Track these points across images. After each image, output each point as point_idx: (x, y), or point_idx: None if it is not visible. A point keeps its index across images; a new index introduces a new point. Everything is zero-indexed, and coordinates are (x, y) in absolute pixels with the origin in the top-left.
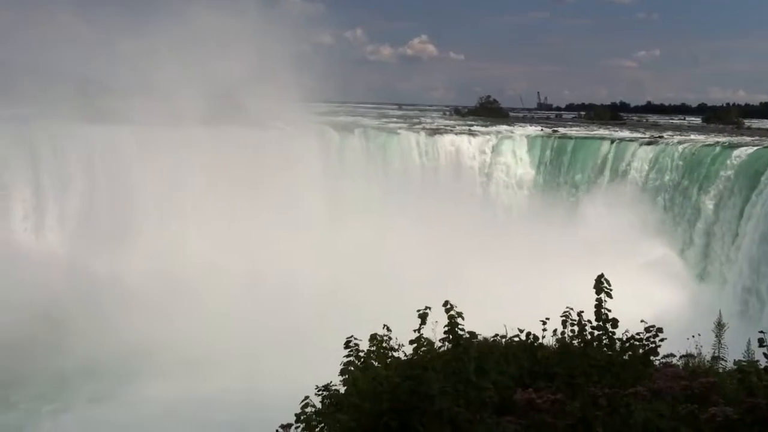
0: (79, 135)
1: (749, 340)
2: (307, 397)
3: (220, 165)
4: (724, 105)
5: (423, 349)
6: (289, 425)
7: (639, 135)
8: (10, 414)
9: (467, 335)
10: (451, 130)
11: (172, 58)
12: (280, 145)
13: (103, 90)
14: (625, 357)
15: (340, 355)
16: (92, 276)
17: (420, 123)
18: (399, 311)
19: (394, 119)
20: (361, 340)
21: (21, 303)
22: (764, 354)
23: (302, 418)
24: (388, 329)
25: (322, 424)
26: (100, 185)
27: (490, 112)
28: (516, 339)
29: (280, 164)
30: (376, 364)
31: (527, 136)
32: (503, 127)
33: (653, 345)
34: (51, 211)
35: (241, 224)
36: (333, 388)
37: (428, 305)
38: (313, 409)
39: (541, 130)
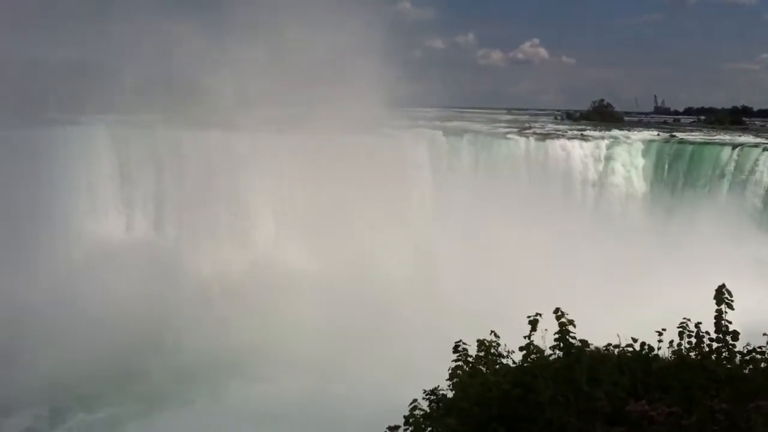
0: (198, 140)
1: None
2: (415, 400)
3: (331, 170)
4: None
5: (533, 356)
6: (397, 427)
7: (763, 140)
8: (120, 408)
9: (579, 343)
10: (563, 135)
11: (280, 64)
12: (389, 151)
13: (215, 97)
14: (746, 370)
15: (442, 359)
16: (205, 276)
17: (530, 128)
18: (502, 317)
19: (504, 124)
20: (469, 345)
21: (136, 301)
22: None
23: (410, 420)
24: (496, 335)
25: (430, 428)
26: (217, 188)
27: (603, 116)
28: (630, 349)
29: (389, 170)
30: (484, 370)
31: (642, 141)
32: (617, 132)
33: None
34: (168, 213)
35: (350, 228)
36: (440, 392)
37: (535, 312)
38: (421, 413)
39: (657, 134)
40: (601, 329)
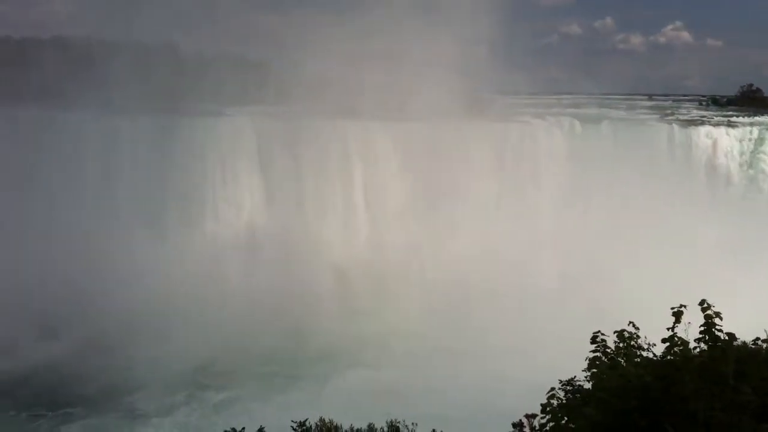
0: (338, 131)
1: None
2: (553, 389)
3: (467, 159)
4: None
5: (676, 348)
6: (534, 415)
7: None
8: (247, 388)
9: (726, 337)
10: (708, 121)
11: (421, 56)
12: (524, 138)
13: (346, 88)
14: None
15: (576, 348)
16: (342, 264)
17: (673, 114)
18: (637, 308)
19: (645, 110)
20: (607, 336)
21: (276, 287)
22: None
23: (547, 409)
24: (635, 326)
25: (566, 418)
26: (356, 179)
27: (752, 101)
28: None
29: (523, 156)
30: (622, 361)
31: None
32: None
33: None
34: (307, 202)
35: (483, 217)
36: (577, 383)
37: (679, 304)
38: (557, 402)
39: None
40: (748, 324)
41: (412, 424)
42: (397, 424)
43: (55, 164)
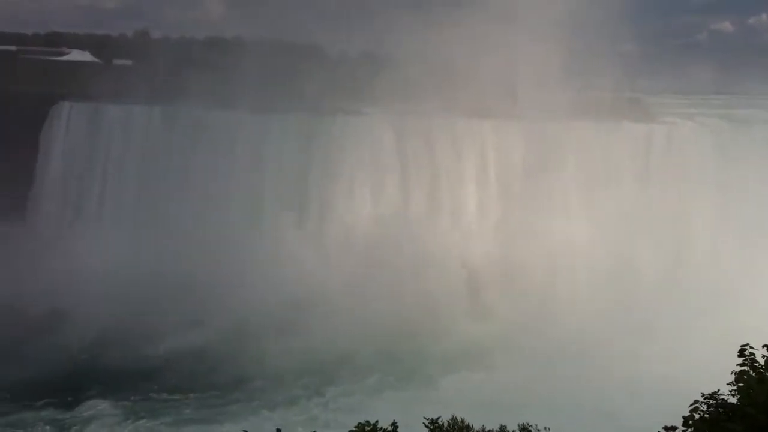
0: (474, 129)
1: None
2: (696, 402)
3: (606, 160)
4: None
5: None
6: (674, 428)
7: None
8: (367, 384)
9: None
10: None
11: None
12: (670, 140)
13: (484, 85)
14: None
15: (721, 360)
16: (472, 263)
17: None
18: None
19: None
20: (756, 350)
21: (408, 284)
22: None
23: (690, 422)
24: None
25: None
26: (490, 177)
27: None
28: None
29: (668, 159)
30: None
31: None
32: None
33: None
34: (444, 200)
35: (619, 225)
36: (721, 396)
37: None
38: (699, 415)
39: None
40: None
41: (545, 429)
42: (530, 428)
43: (209, 159)
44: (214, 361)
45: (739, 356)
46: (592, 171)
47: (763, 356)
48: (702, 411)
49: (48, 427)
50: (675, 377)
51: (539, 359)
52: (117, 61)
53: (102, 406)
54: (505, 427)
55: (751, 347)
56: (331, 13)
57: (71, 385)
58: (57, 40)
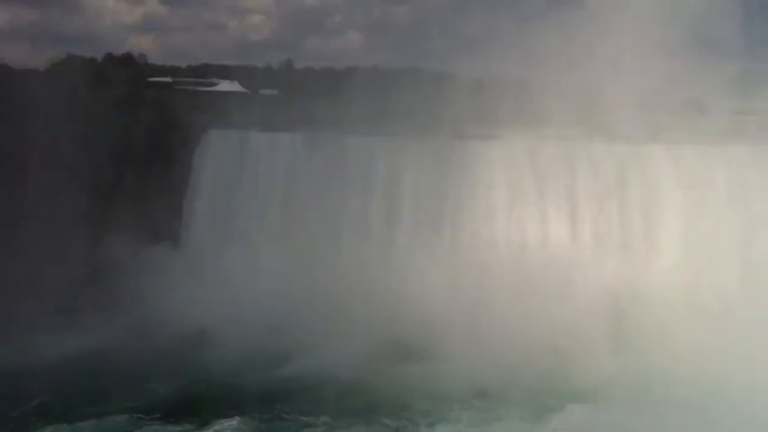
0: (614, 154)
1: None
2: None
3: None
4: None
5: None
6: None
7: None
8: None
9: None
10: None
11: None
12: None
13: (621, 107)
14: None
15: None
16: (614, 288)
17: None
18: None
19: None
20: None
21: (545, 310)
22: None
23: None
24: None
25: None
26: (632, 204)
27: None
28: None
29: None
30: None
31: None
32: None
33: None
34: (581, 224)
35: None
36: None
37: None
38: None
39: None
40: None
41: None
42: None
43: (347, 183)
44: (346, 384)
45: None
46: (732, 191)
47: None
48: None
49: None
50: None
51: (687, 405)
52: (263, 91)
53: (233, 423)
54: None
55: None
56: (467, 40)
57: (208, 403)
58: (208, 72)
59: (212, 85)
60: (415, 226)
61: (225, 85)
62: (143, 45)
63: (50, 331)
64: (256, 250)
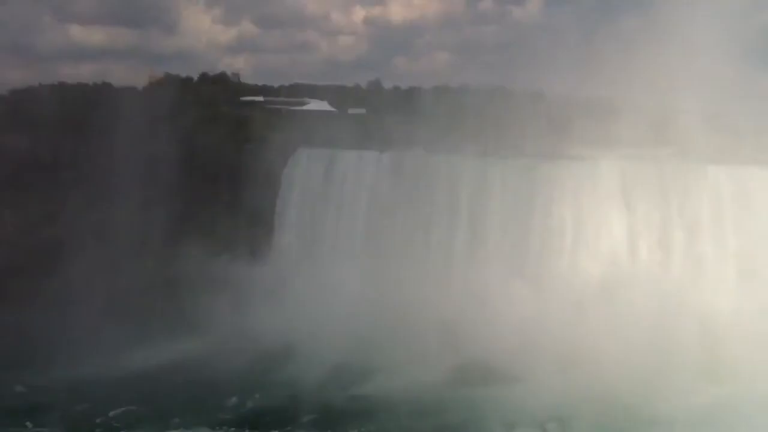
0: (710, 177)
1: None
2: None
3: None
4: None
5: None
6: None
7: None
8: None
9: None
10: None
11: None
12: None
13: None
14: None
15: None
16: (710, 314)
17: None
18: None
19: None
20: None
21: (638, 335)
22: None
23: None
24: None
25: None
26: (727, 227)
27: None
28: None
29: None
30: None
31: None
32: None
33: None
34: (676, 247)
35: None
36: None
37: None
38: None
39: None
40: None
41: None
42: None
43: (432, 202)
44: (424, 405)
45: None
46: None
47: None
48: None
49: None
50: None
51: None
52: (351, 110)
53: None
54: None
55: None
56: (556, 59)
57: (287, 418)
58: (298, 91)
59: (302, 104)
60: (501, 250)
61: (314, 105)
62: (236, 65)
63: (138, 344)
64: (341, 269)
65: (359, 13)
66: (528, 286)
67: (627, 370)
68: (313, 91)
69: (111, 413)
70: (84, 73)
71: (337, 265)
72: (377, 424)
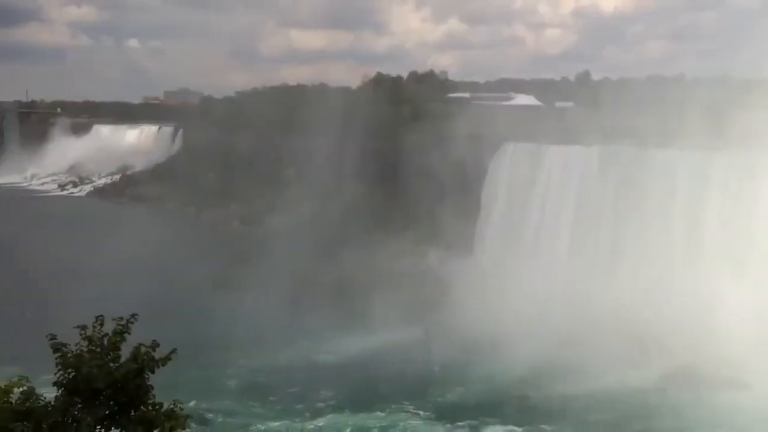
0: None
1: None
2: None
3: None
4: None
5: None
6: None
7: None
8: None
9: None
10: None
11: None
12: None
13: None
14: None
15: None
16: None
17: None
18: None
19: None
20: None
21: None
22: None
23: None
24: None
25: None
26: None
27: None
28: None
29: None
30: None
31: None
32: None
33: None
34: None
35: None
36: None
37: None
38: None
39: None
40: None
41: None
42: None
43: (640, 199)
44: (629, 410)
45: None
46: None
47: None
48: None
49: None
50: None
51: None
52: (559, 104)
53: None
54: None
55: None
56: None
57: (486, 411)
58: (504, 86)
59: (508, 99)
60: (721, 249)
61: (521, 99)
62: (443, 62)
63: (345, 332)
64: (548, 264)
65: (568, 5)
66: (751, 289)
67: None
68: (519, 86)
69: (319, 396)
70: (303, 74)
71: (545, 262)
72: (580, 424)
